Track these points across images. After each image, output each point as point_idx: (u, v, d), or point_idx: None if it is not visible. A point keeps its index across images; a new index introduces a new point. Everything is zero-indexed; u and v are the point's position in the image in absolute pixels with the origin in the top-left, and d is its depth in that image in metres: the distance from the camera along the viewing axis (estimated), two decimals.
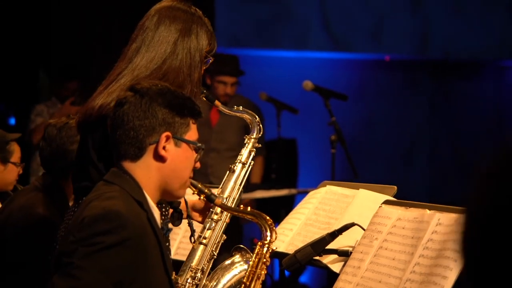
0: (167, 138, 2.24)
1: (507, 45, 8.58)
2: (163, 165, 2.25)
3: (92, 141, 2.61)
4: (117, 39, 2.77)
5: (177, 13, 2.72)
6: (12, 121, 7.11)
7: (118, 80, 2.62)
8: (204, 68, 2.77)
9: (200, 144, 2.33)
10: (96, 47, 6.61)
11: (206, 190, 2.51)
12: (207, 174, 5.39)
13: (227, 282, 2.79)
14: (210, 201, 2.54)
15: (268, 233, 2.52)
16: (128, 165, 2.25)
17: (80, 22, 6.98)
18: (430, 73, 9.06)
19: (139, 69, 2.63)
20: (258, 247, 2.55)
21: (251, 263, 2.56)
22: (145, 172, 2.24)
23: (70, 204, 3.33)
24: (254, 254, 2.55)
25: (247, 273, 2.54)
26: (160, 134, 2.23)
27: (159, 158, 2.24)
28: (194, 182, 2.49)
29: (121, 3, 6.77)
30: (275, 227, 2.57)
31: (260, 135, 2.95)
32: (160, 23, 2.69)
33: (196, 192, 2.52)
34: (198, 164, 2.37)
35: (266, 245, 2.53)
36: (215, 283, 2.78)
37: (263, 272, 2.54)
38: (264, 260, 2.53)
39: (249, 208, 2.57)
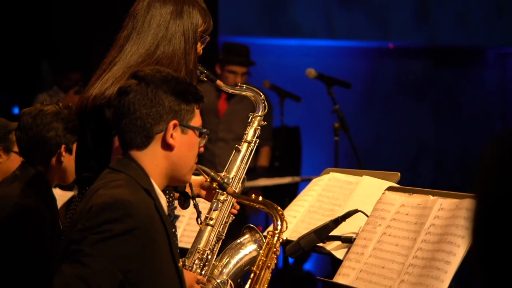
0: (175, 126, 2.24)
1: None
2: (171, 153, 2.25)
3: (90, 132, 2.60)
4: (121, 29, 2.75)
5: None
6: (16, 110, 7.12)
7: (111, 68, 2.60)
8: (202, 47, 2.73)
9: (205, 130, 2.33)
10: (100, 37, 6.61)
11: (218, 178, 2.50)
12: (214, 164, 5.37)
13: (237, 262, 2.79)
14: (222, 189, 2.53)
15: (279, 223, 2.53)
16: (135, 153, 2.25)
17: (83, 12, 6.98)
18: (435, 61, 9.05)
19: (131, 56, 2.60)
20: (268, 236, 2.55)
21: (261, 252, 2.57)
22: (152, 160, 2.24)
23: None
24: (265, 243, 2.56)
25: (257, 262, 2.55)
26: (168, 122, 2.23)
27: (166, 146, 2.24)
28: (207, 170, 2.49)
29: None
30: (285, 217, 2.58)
31: (265, 112, 2.90)
32: (150, 7, 2.65)
33: (208, 180, 2.51)
34: (201, 149, 2.37)
35: (277, 235, 2.54)
36: (225, 262, 2.77)
37: (273, 261, 2.55)
38: (274, 249, 2.54)
39: (260, 198, 2.56)
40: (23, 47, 7.04)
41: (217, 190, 2.78)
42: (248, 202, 2.60)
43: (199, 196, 2.83)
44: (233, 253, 2.78)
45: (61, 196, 4.11)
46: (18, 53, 7.04)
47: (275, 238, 2.54)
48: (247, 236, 2.80)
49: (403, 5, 8.41)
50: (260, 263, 2.53)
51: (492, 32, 8.62)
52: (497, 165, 1.04)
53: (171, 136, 2.24)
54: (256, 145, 2.88)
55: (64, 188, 4.22)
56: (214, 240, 2.74)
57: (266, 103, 2.91)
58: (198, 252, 2.72)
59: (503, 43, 8.84)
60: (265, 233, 3.07)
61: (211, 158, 5.48)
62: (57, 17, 7.12)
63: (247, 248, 2.79)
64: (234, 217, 2.80)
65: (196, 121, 2.31)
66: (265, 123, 2.93)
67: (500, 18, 8.59)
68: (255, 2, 7.98)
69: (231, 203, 2.78)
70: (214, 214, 2.75)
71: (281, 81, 6.72)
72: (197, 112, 2.31)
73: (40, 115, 3.20)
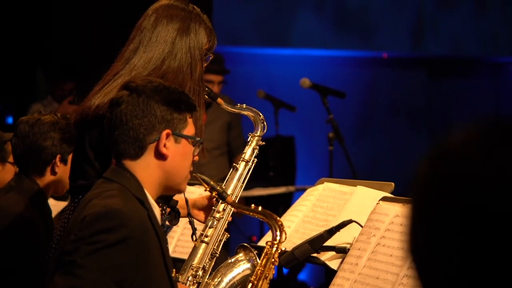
0: (168, 135, 2.24)
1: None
2: (164, 163, 2.25)
3: (89, 140, 2.60)
4: (116, 40, 2.76)
5: (174, 12, 2.70)
6: (10, 120, 7.11)
7: (115, 80, 2.61)
8: (205, 65, 2.75)
9: (198, 138, 2.33)
10: (94, 47, 6.61)
11: (218, 188, 2.50)
12: (201, 173, 5.36)
13: (229, 281, 2.78)
14: (221, 198, 2.53)
15: (278, 233, 2.53)
16: (129, 163, 2.25)
17: (79, 22, 6.98)
18: (427, 70, 9.07)
19: (137, 70, 2.62)
20: (267, 246, 2.56)
21: (259, 261, 2.57)
22: (146, 170, 2.24)
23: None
24: (263, 254, 2.56)
25: (255, 271, 2.56)
26: (160, 132, 2.23)
27: (160, 156, 2.24)
28: (207, 179, 2.49)
29: (120, 4, 6.77)
30: (284, 228, 2.58)
31: (264, 133, 2.92)
32: (157, 22, 2.68)
33: (208, 189, 2.51)
34: (196, 157, 2.37)
35: (276, 245, 2.54)
36: (218, 281, 2.77)
37: (271, 272, 2.55)
38: (273, 260, 2.55)
39: (260, 208, 2.57)
40: (17, 57, 7.03)
41: (213, 208, 2.78)
42: (247, 212, 2.60)
43: (193, 217, 2.83)
44: (226, 272, 2.77)
45: (54, 206, 4.10)
46: (12, 63, 7.03)
47: (274, 249, 2.54)
48: (241, 254, 2.80)
49: (398, 17, 8.44)
50: (258, 273, 2.53)
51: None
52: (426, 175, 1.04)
53: (164, 145, 2.24)
54: (254, 164, 2.89)
55: (57, 198, 4.21)
56: (208, 258, 2.74)
57: (265, 123, 2.92)
58: (192, 269, 2.71)
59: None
60: (261, 243, 3.06)
61: (197, 168, 5.45)
62: (52, 27, 7.12)
63: (240, 267, 2.78)
64: (228, 235, 2.80)
65: (189, 130, 2.30)
66: (263, 143, 2.94)
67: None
68: (249, 11, 7.99)
69: (227, 221, 2.78)
70: (209, 232, 2.75)
71: (275, 91, 6.72)
72: (190, 121, 2.31)
73: (38, 124, 3.20)
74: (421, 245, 1.04)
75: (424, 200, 1.04)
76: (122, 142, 2.23)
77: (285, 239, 2.55)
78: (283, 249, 2.58)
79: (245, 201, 5.29)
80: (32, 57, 7.11)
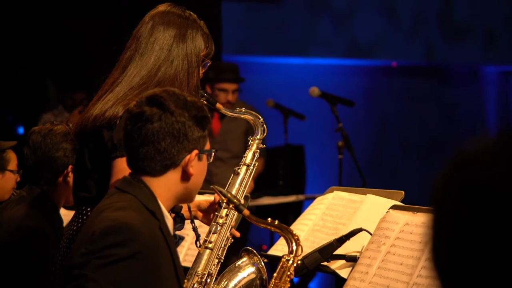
0: (196, 155, 2.22)
1: None
2: (187, 180, 2.23)
3: (88, 152, 2.60)
4: (124, 50, 2.75)
5: (171, 18, 2.68)
6: (21, 130, 7.14)
7: (113, 89, 2.60)
8: (203, 71, 2.74)
9: (215, 150, 2.32)
10: (104, 57, 6.63)
11: (235, 200, 2.48)
12: (212, 183, 5.34)
13: (235, 285, 2.77)
14: (238, 211, 2.50)
15: (294, 247, 2.53)
16: (147, 179, 2.22)
17: (87, 32, 7.02)
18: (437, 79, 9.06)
19: (134, 78, 2.60)
20: (283, 260, 2.55)
21: (275, 274, 2.56)
22: (164, 185, 2.22)
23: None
24: (279, 267, 2.56)
25: (270, 285, 2.55)
26: (189, 151, 2.21)
27: (185, 174, 2.22)
28: (224, 191, 2.47)
29: (128, 13, 6.80)
30: (300, 242, 2.58)
31: (264, 136, 2.90)
32: (154, 29, 2.66)
33: (225, 201, 2.49)
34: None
35: (292, 259, 2.53)
36: (224, 285, 2.76)
37: (286, 285, 2.55)
38: (289, 273, 2.54)
39: (276, 222, 2.55)
40: (27, 67, 7.07)
41: (216, 213, 2.77)
42: (264, 225, 2.57)
43: (196, 218, 2.82)
44: (231, 276, 2.77)
45: (65, 215, 4.11)
46: (23, 73, 7.07)
47: (290, 262, 2.53)
48: (245, 259, 2.79)
49: (400, 23, 8.44)
50: (273, 285, 2.53)
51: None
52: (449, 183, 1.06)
53: (192, 165, 2.22)
54: (255, 168, 2.87)
55: (68, 208, 4.22)
56: (213, 263, 2.72)
57: (265, 126, 2.90)
58: (197, 276, 2.69)
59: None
60: (271, 252, 3.06)
61: (209, 177, 5.45)
62: (61, 37, 7.16)
63: (245, 271, 2.77)
64: (233, 240, 2.78)
65: (208, 144, 2.30)
66: (264, 146, 2.93)
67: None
68: (258, 21, 8.01)
69: (230, 226, 2.77)
70: (213, 237, 2.73)
71: (285, 100, 6.73)
72: (206, 134, 2.29)
73: (50, 134, 3.20)
74: (443, 251, 1.06)
75: (445, 207, 1.06)
76: (149, 159, 2.19)
77: (302, 252, 2.55)
78: (299, 262, 2.57)
79: (255, 210, 5.29)
80: (41, 67, 7.14)
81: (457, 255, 1.04)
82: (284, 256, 2.56)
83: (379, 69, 8.94)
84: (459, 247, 1.03)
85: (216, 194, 2.75)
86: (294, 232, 2.53)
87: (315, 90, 5.49)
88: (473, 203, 1.02)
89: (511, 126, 1.05)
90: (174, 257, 2.22)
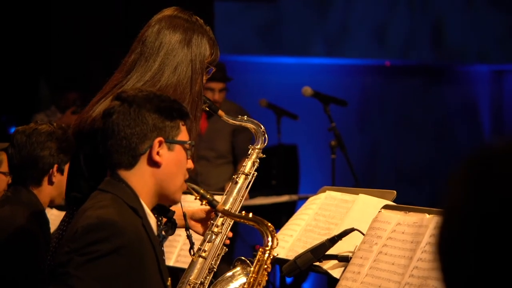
0: (160, 143, 2.23)
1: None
2: (158, 171, 2.25)
3: (83, 153, 2.59)
4: (118, 50, 2.75)
5: (177, 23, 2.66)
6: (13, 130, 7.13)
7: (114, 92, 2.57)
8: (207, 77, 2.71)
9: (190, 142, 2.31)
10: (97, 58, 6.64)
11: (208, 196, 2.49)
12: (197, 182, 5.32)
13: None
14: (211, 206, 2.51)
15: (270, 239, 2.52)
16: (123, 173, 2.25)
17: (80, 33, 7.01)
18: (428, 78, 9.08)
19: (136, 83, 2.59)
20: (259, 253, 2.54)
21: (252, 269, 2.55)
22: (140, 179, 2.24)
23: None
24: (255, 260, 2.54)
25: (248, 279, 2.54)
26: (153, 140, 2.23)
27: (153, 164, 2.24)
28: (196, 187, 2.47)
29: (122, 14, 6.79)
30: (276, 233, 2.57)
31: (264, 145, 2.87)
32: (159, 33, 2.64)
33: (198, 198, 2.49)
34: (191, 164, 2.34)
35: (268, 251, 2.52)
36: None
37: (264, 278, 2.54)
38: (265, 266, 2.52)
39: (250, 214, 2.54)
40: (20, 68, 7.06)
41: (211, 222, 2.76)
42: (238, 219, 2.59)
43: (190, 228, 2.81)
44: (224, 286, 2.75)
45: (57, 216, 4.10)
46: (15, 73, 7.06)
47: (266, 255, 2.52)
48: (238, 268, 2.78)
49: (399, 24, 8.45)
50: (251, 280, 2.52)
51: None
52: (464, 184, 1.06)
53: (157, 153, 2.23)
54: (254, 178, 2.85)
55: (60, 208, 4.21)
56: (205, 273, 2.70)
57: (266, 136, 2.87)
58: (189, 284, 2.67)
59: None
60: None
61: (194, 177, 5.43)
62: (53, 37, 7.15)
63: (237, 281, 2.75)
64: (227, 250, 2.77)
65: (183, 137, 2.30)
66: (264, 155, 2.89)
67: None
68: (251, 20, 8.01)
69: (225, 235, 2.75)
70: (207, 246, 2.72)
71: (278, 99, 6.73)
72: (183, 128, 2.30)
73: (35, 133, 3.18)
74: (454, 251, 1.05)
75: (459, 206, 1.05)
76: (115, 152, 2.23)
77: (277, 244, 2.53)
78: (275, 255, 2.56)
79: (248, 210, 5.28)
80: (34, 68, 7.13)
81: (468, 256, 1.03)
82: (260, 249, 2.54)
83: (373, 69, 8.95)
84: (471, 247, 1.03)
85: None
86: (269, 224, 2.52)
87: (307, 90, 5.50)
88: (487, 203, 1.02)
89: None
90: (158, 254, 2.23)
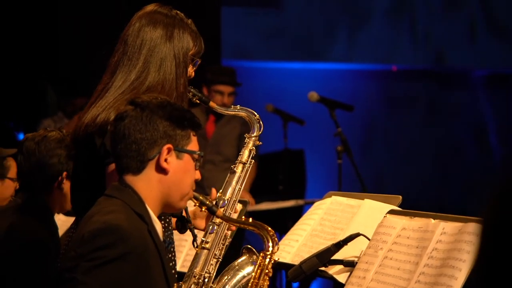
0: (169, 150, 2.25)
1: None
2: (165, 178, 2.26)
3: (82, 161, 2.60)
4: (112, 54, 2.74)
5: (157, 18, 2.65)
6: (22, 137, 7.15)
7: (103, 95, 2.58)
8: (194, 69, 2.71)
9: (198, 152, 2.33)
10: (104, 65, 6.65)
11: (207, 202, 2.50)
12: (202, 186, 5.32)
13: (235, 284, 2.74)
14: (211, 213, 2.52)
15: (270, 244, 2.52)
16: (130, 179, 2.26)
17: (88, 38, 7.03)
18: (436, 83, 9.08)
19: (123, 83, 2.59)
20: (260, 258, 2.55)
21: (253, 274, 2.56)
22: (147, 185, 2.25)
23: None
24: (257, 265, 2.55)
25: (249, 284, 2.55)
26: (162, 146, 2.24)
27: (160, 170, 2.25)
28: (196, 194, 2.47)
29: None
30: (281, 238, 2.57)
31: (260, 132, 2.86)
32: (140, 31, 2.64)
33: (197, 204, 2.50)
34: (198, 175, 2.36)
35: (268, 256, 2.53)
36: (223, 284, 2.74)
37: (265, 283, 2.54)
38: (266, 271, 2.53)
39: (250, 219, 2.55)
40: (27, 74, 7.09)
41: (223, 210, 2.77)
42: (238, 225, 2.60)
43: (191, 221, 2.81)
44: (232, 275, 2.76)
45: (64, 222, 4.11)
46: (22, 79, 7.09)
47: (267, 260, 2.53)
48: (244, 257, 2.79)
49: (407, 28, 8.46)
50: (253, 285, 2.53)
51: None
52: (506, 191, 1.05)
53: (165, 160, 2.24)
54: (251, 166, 2.85)
55: (68, 214, 4.21)
56: (211, 263, 2.71)
57: (261, 123, 2.87)
58: (194, 277, 2.67)
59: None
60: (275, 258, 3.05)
61: (200, 181, 5.39)
62: (61, 43, 7.18)
63: (245, 270, 2.76)
64: (231, 239, 2.78)
65: (193, 147, 2.31)
66: (261, 143, 2.88)
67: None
68: (257, 25, 8.03)
69: (227, 225, 2.74)
70: (210, 237, 2.71)
71: (284, 105, 6.74)
72: (193, 138, 2.31)
73: (44, 141, 3.18)
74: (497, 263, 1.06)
75: (498, 219, 1.06)
76: (125, 156, 2.25)
77: (277, 249, 2.54)
78: (276, 259, 2.56)
79: (254, 215, 5.29)
80: (41, 74, 7.16)
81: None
82: (261, 254, 2.55)
83: (378, 74, 8.95)
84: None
85: (213, 189, 2.76)
86: (269, 229, 2.52)
87: (314, 95, 5.51)
88: None
89: None
90: (164, 260, 2.24)
